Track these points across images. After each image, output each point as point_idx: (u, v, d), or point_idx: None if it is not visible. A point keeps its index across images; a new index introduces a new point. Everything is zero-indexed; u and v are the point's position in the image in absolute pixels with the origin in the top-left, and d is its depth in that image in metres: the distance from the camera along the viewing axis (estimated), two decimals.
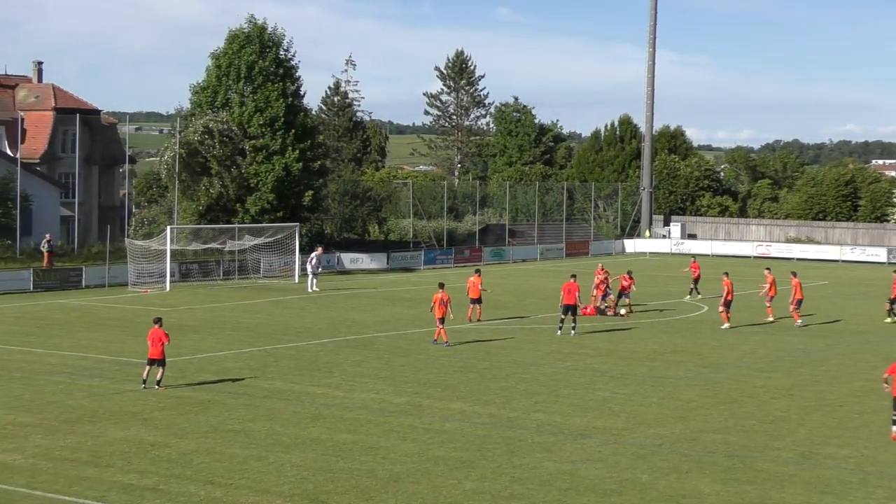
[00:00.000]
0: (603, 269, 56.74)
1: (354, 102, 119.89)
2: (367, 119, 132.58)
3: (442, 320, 42.71)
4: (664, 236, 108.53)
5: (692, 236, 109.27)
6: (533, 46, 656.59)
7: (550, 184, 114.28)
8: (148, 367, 33.76)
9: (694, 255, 70.09)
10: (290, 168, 76.54)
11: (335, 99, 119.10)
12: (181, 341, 43.12)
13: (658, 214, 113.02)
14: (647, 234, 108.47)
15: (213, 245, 71.38)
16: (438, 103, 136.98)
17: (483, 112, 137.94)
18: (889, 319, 52.28)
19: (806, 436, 28.77)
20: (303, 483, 23.54)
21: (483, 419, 30.30)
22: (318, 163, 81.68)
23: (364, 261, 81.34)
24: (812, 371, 38.91)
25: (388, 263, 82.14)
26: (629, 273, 56.09)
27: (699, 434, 28.83)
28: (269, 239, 71.31)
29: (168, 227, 67.59)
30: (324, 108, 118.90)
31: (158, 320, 34.34)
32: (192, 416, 30.20)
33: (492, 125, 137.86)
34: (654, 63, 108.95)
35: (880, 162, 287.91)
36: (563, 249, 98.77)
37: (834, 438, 28.48)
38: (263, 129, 76.41)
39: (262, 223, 73.43)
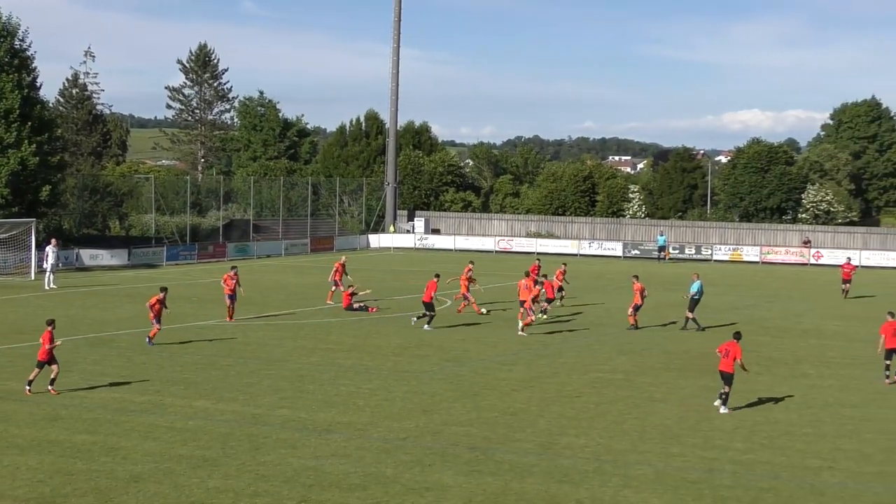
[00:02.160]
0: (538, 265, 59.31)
1: (94, 95, 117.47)
2: (108, 112, 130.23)
3: (158, 319, 42.02)
4: (409, 231, 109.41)
5: (436, 231, 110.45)
6: (278, 41, 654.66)
7: (295, 179, 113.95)
8: (36, 370, 32.84)
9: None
10: (26, 162, 74.61)
11: (74, 91, 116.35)
12: None
13: (403, 210, 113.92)
14: (392, 229, 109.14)
15: None
16: (181, 97, 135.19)
17: (227, 106, 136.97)
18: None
19: (545, 427, 29.36)
20: (39, 486, 22.90)
21: (227, 416, 30.02)
22: (57, 157, 79.96)
23: (104, 257, 79.65)
24: (551, 363, 39.74)
25: (129, 260, 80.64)
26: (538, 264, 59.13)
27: (443, 427, 29.13)
28: (4, 235, 69.30)
29: None
30: (62, 100, 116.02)
31: (50, 322, 33.76)
32: None
33: (236, 119, 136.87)
34: (398, 59, 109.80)
35: (617, 158, 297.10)
36: (308, 245, 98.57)
37: (572, 429, 29.14)
38: None
39: None
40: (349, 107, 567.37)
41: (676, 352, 42.82)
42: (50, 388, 32.66)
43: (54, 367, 32.82)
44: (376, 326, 48.75)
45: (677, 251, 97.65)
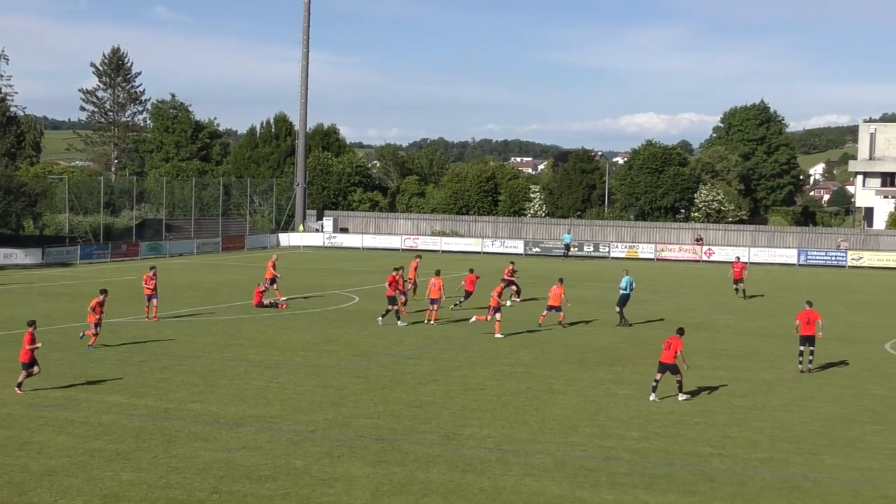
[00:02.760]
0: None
1: (8, 97, 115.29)
2: (22, 114, 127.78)
3: (97, 324, 40.65)
4: (317, 230, 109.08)
5: (344, 230, 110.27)
6: (191, 44, 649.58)
7: (207, 179, 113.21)
8: (24, 372, 32.15)
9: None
10: None
11: None
12: None
13: (312, 209, 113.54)
14: (301, 228, 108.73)
15: None
16: (95, 99, 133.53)
17: (140, 108, 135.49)
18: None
19: (450, 418, 29.44)
20: None
21: (140, 411, 29.76)
22: None
23: (18, 256, 78.55)
24: (455, 357, 39.83)
25: (43, 259, 79.60)
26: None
27: (350, 419, 29.10)
28: None
29: None
30: None
31: (31, 322, 33.13)
32: None
33: (149, 121, 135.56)
34: (307, 63, 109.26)
35: (518, 159, 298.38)
36: (220, 244, 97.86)
37: (475, 420, 29.24)
38: None
39: None
40: (260, 109, 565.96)
41: (575, 345, 43.10)
42: (17, 389, 32.08)
43: (35, 368, 32.30)
44: (286, 323, 48.57)
45: (577, 248, 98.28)
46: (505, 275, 56.87)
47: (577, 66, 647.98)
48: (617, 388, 34.27)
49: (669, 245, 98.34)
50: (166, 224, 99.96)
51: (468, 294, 53.42)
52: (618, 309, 49.52)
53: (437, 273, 49.96)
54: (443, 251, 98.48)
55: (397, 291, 48.37)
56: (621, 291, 49.65)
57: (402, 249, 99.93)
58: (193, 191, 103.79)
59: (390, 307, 48.00)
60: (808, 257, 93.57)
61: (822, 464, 25.26)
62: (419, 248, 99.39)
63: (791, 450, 26.54)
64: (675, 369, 32.42)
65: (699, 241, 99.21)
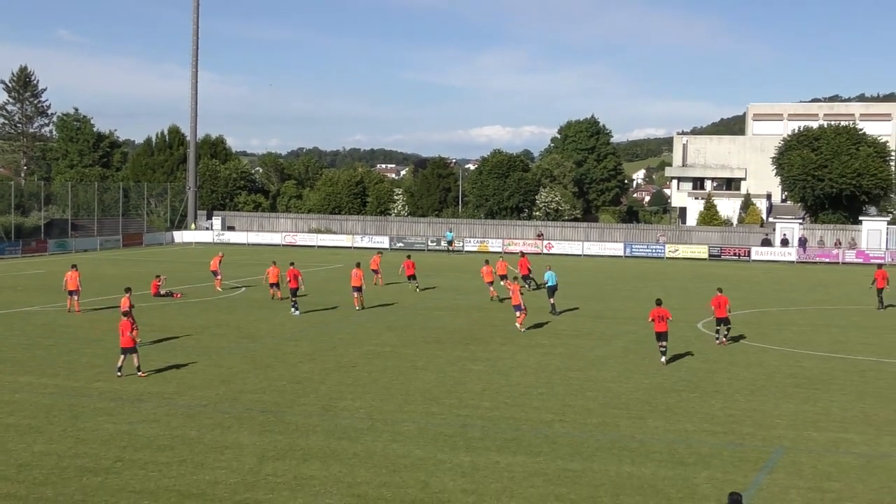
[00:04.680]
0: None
1: None
2: None
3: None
4: (207, 228, 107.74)
5: (231, 228, 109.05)
6: (92, 63, 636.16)
7: (108, 184, 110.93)
8: (122, 357, 31.24)
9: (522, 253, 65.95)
10: None
11: None
12: None
13: (202, 210, 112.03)
14: (193, 226, 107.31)
15: None
16: (5, 112, 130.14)
17: (46, 121, 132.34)
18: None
19: (327, 392, 29.31)
20: None
21: (50, 389, 29.11)
22: None
23: None
24: (330, 339, 39.66)
25: None
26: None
27: (239, 395, 28.81)
28: None
29: None
30: None
31: (126, 313, 32.74)
32: None
33: (54, 132, 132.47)
34: (196, 81, 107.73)
35: (383, 166, 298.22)
36: (121, 240, 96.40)
37: (349, 394, 29.16)
38: None
39: None
40: (155, 121, 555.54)
41: (434, 328, 43.20)
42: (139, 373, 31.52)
43: (134, 356, 31.53)
44: (181, 310, 47.88)
45: (434, 243, 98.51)
46: (523, 269, 58.20)
47: (432, 84, 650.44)
48: (471, 364, 34.41)
49: (515, 240, 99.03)
50: (72, 223, 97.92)
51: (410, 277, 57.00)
52: (551, 300, 49.04)
53: (358, 265, 50.48)
54: (318, 246, 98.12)
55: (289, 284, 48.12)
56: (548, 284, 49.35)
57: (283, 245, 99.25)
58: (96, 194, 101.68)
59: (293, 298, 47.57)
60: (633, 250, 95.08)
61: (647, 426, 25.67)
62: (298, 243, 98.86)
63: (620, 415, 26.94)
64: (666, 336, 34.99)
65: (540, 236, 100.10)
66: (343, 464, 21.79)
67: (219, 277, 57.00)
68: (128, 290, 38.63)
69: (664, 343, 35.35)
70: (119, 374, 31.30)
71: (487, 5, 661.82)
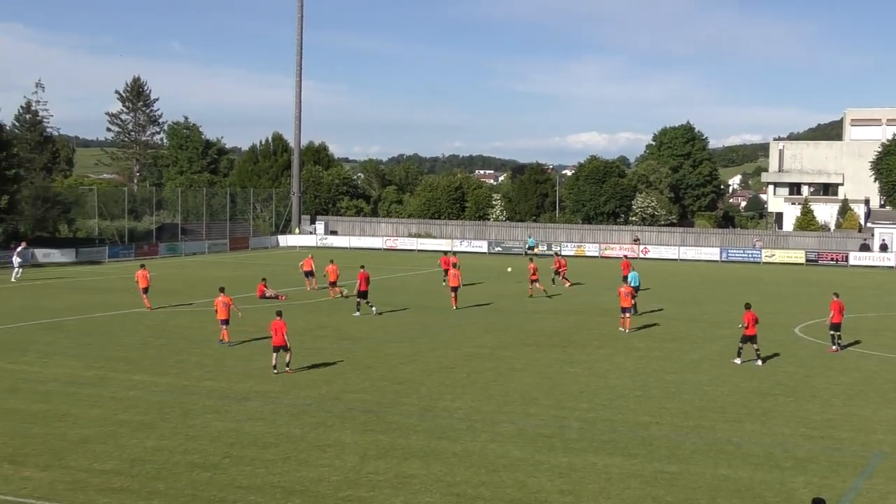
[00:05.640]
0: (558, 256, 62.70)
1: (44, 120, 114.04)
2: (57, 134, 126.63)
3: (225, 321, 38.24)
4: (311, 233, 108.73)
5: (334, 232, 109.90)
6: (201, 74, 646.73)
7: (216, 189, 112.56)
8: (275, 354, 32.15)
9: (556, 252, 67.97)
10: None
11: (27, 116, 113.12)
12: None
13: (306, 214, 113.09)
14: (297, 231, 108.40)
15: None
16: (119, 121, 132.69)
17: (158, 129, 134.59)
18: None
19: (427, 393, 29.40)
20: (2, 448, 22.45)
21: (161, 387, 29.64)
22: (12, 171, 78.43)
23: (55, 255, 78.12)
24: (430, 341, 39.79)
25: (76, 257, 79.24)
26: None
27: (341, 394, 29.03)
28: None
29: None
30: (17, 124, 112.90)
31: (280, 313, 33.08)
32: None
33: (165, 140, 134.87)
34: (300, 90, 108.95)
35: (482, 172, 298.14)
36: (228, 244, 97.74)
37: (448, 394, 29.22)
38: None
39: None
40: (260, 129, 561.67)
41: (532, 331, 43.10)
42: (287, 369, 32.30)
43: (287, 353, 32.35)
44: (285, 312, 48.31)
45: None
46: (554, 266, 62.62)
47: (529, 93, 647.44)
48: (569, 366, 34.27)
49: (611, 244, 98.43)
50: (182, 228, 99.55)
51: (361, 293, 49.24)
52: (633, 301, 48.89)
53: (455, 266, 52.26)
54: (418, 250, 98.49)
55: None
56: (632, 285, 49.18)
57: (384, 249, 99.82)
58: (204, 199, 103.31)
59: (361, 301, 47.79)
60: (729, 255, 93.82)
61: (743, 430, 25.33)
62: (398, 247, 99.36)
63: (716, 418, 26.62)
64: (755, 339, 35.03)
65: (636, 241, 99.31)
66: (443, 463, 21.83)
67: (313, 279, 57.57)
68: (222, 289, 39.23)
69: (757, 345, 35.32)
70: (275, 371, 32.02)
71: (581, 16, 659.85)
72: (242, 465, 21.46)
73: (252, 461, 21.74)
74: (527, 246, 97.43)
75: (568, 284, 62.16)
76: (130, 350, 36.46)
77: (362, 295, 47.71)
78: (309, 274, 58.51)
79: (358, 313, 47.11)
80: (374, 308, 47.64)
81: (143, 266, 51.16)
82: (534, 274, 56.28)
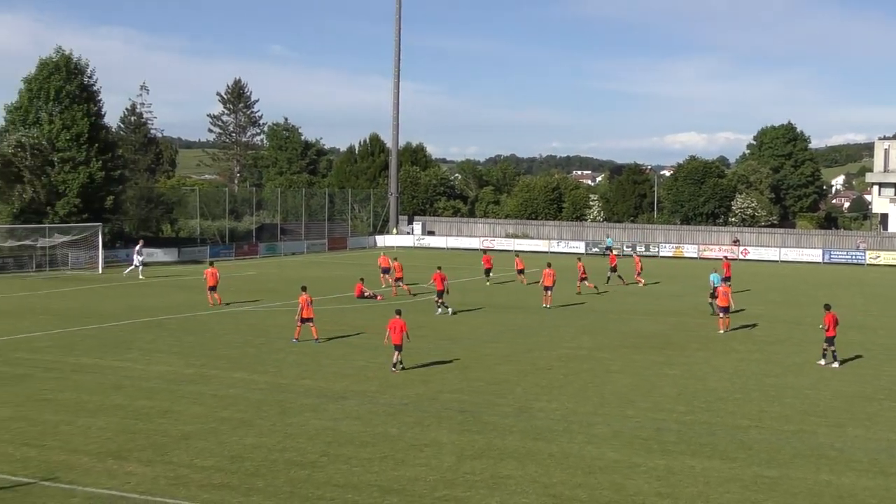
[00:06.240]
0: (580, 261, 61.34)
1: (148, 122, 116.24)
2: (160, 136, 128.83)
3: (309, 319, 38.59)
4: (408, 233, 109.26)
5: (431, 233, 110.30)
6: (301, 76, 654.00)
7: (314, 190, 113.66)
8: (396, 353, 32.81)
9: (485, 250, 70.33)
10: (94, 176, 75.27)
11: (132, 118, 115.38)
12: None
13: (403, 215, 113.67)
14: (395, 231, 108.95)
15: (27, 242, 69.29)
16: (220, 123, 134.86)
17: (258, 130, 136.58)
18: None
19: (522, 394, 29.35)
20: (107, 443, 22.91)
21: (260, 386, 30.00)
22: (118, 172, 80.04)
23: (158, 255, 79.53)
24: (527, 341, 39.71)
25: (178, 257, 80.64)
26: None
27: (438, 394, 29.11)
28: (76, 237, 70.40)
29: None
30: (122, 126, 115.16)
31: (399, 312, 33.60)
32: (8, 388, 29.04)
33: (265, 141, 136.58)
34: (398, 91, 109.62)
35: (579, 172, 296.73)
36: (326, 244, 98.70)
37: (544, 395, 29.13)
38: (70, 144, 74.85)
39: (69, 223, 71.85)
40: (357, 130, 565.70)
41: (629, 332, 42.79)
42: (393, 369, 32.72)
43: (397, 353, 32.81)
44: (383, 311, 48.65)
45: (630, 249, 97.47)
46: (611, 262, 64.81)
47: (626, 92, 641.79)
48: (667, 368, 33.97)
49: (710, 245, 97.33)
50: (281, 228, 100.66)
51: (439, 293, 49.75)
52: (710, 300, 49.29)
53: (549, 265, 53.03)
54: (515, 251, 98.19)
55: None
56: (713, 285, 49.68)
57: (481, 249, 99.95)
58: (303, 199, 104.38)
59: (439, 300, 48.41)
60: (832, 256, 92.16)
61: (846, 435, 24.86)
62: (494, 248, 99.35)
63: (818, 422, 26.17)
64: (833, 341, 34.65)
65: (736, 242, 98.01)
66: (539, 464, 21.76)
67: (388, 276, 58.10)
68: (304, 288, 39.58)
69: (834, 347, 35.01)
70: (394, 369, 32.42)
71: (681, 14, 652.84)
72: (339, 463, 21.62)
73: (349, 460, 21.89)
74: (605, 246, 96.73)
75: (642, 283, 63.27)
76: (230, 348, 36.97)
77: (439, 294, 48.55)
78: (386, 271, 59.38)
79: (440, 310, 47.80)
80: (449, 308, 47.99)
81: (212, 264, 53.92)
82: (583, 273, 57.90)
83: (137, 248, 68.67)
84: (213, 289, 50.22)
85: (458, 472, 21.04)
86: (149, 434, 23.79)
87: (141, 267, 66.67)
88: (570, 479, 20.73)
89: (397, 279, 56.01)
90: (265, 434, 23.99)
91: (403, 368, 32.58)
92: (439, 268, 50.79)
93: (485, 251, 66.39)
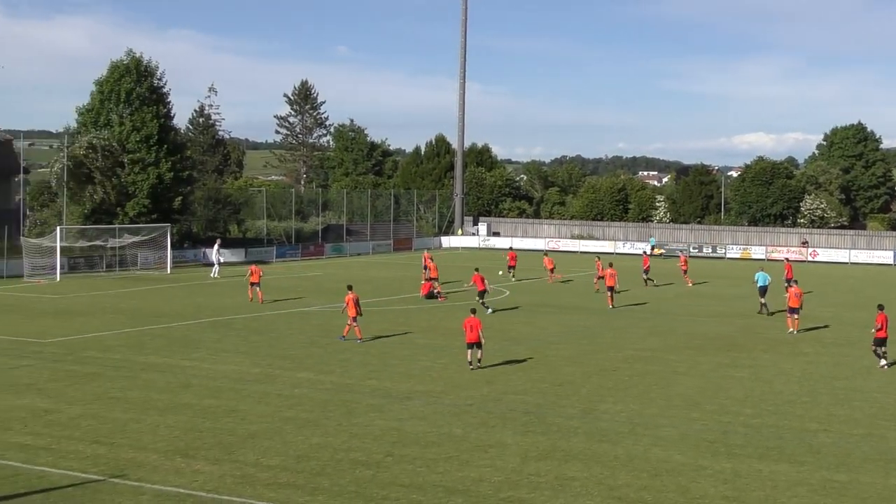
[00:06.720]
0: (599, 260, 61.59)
1: (216, 123, 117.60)
2: (227, 137, 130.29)
3: (354, 318, 38.76)
4: (474, 234, 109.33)
5: (496, 234, 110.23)
6: (366, 77, 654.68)
7: (380, 191, 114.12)
8: (469, 351, 33.19)
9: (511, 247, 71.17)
10: (163, 177, 76.18)
11: (200, 120, 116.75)
12: (70, 324, 42.23)
13: (468, 216, 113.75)
14: (460, 232, 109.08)
15: (97, 242, 70.24)
16: (287, 124, 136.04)
17: (324, 131, 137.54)
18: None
19: (587, 395, 29.25)
20: (175, 441, 23.18)
21: (325, 385, 30.16)
22: (186, 173, 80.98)
23: (225, 255, 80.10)
24: (592, 342, 39.57)
25: (245, 257, 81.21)
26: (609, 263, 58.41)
27: (502, 395, 29.09)
28: (145, 237, 71.21)
29: (58, 227, 66.25)
30: (191, 127, 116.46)
31: (474, 311, 34.04)
32: (79, 387, 29.49)
33: (331, 142, 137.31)
34: (464, 92, 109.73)
35: (645, 173, 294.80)
36: (391, 245, 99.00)
37: (609, 397, 29.01)
38: (139, 145, 75.82)
39: (139, 224, 72.78)
40: (423, 131, 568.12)
41: (696, 334, 42.47)
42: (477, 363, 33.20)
43: (479, 350, 33.18)
44: (447, 312, 48.75)
45: (696, 250, 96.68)
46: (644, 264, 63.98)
47: (693, 93, 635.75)
48: (733, 371, 33.66)
49: (778, 247, 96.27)
50: (347, 228, 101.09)
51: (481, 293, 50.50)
52: (762, 300, 49.21)
53: (611, 265, 54.03)
54: (581, 252, 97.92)
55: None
56: (758, 284, 49.31)
57: (547, 251, 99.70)
58: (369, 200, 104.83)
59: (479, 300, 49.30)
60: None
61: None
62: (560, 249, 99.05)
63: (888, 426, 25.78)
64: (885, 342, 34.23)
65: (805, 244, 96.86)
66: (604, 466, 21.67)
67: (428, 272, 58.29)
68: (350, 287, 39.79)
69: (885, 348, 34.63)
70: (471, 367, 32.70)
71: (749, 15, 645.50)
72: (404, 463, 21.68)
73: (414, 460, 21.94)
74: (649, 246, 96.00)
75: (690, 283, 63.92)
76: (296, 348, 37.23)
77: (481, 295, 49.54)
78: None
79: (489, 310, 48.11)
80: (488, 309, 48.49)
81: (256, 263, 54.13)
82: (601, 271, 57.69)
83: (216, 248, 69.57)
84: (255, 284, 51.64)
85: (522, 474, 21.01)
86: (216, 433, 24.02)
87: (218, 267, 67.55)
88: (636, 481, 20.62)
89: (432, 279, 55.95)
90: (330, 434, 24.11)
91: (481, 367, 32.65)
92: (477, 269, 51.71)
93: (510, 251, 68.56)
